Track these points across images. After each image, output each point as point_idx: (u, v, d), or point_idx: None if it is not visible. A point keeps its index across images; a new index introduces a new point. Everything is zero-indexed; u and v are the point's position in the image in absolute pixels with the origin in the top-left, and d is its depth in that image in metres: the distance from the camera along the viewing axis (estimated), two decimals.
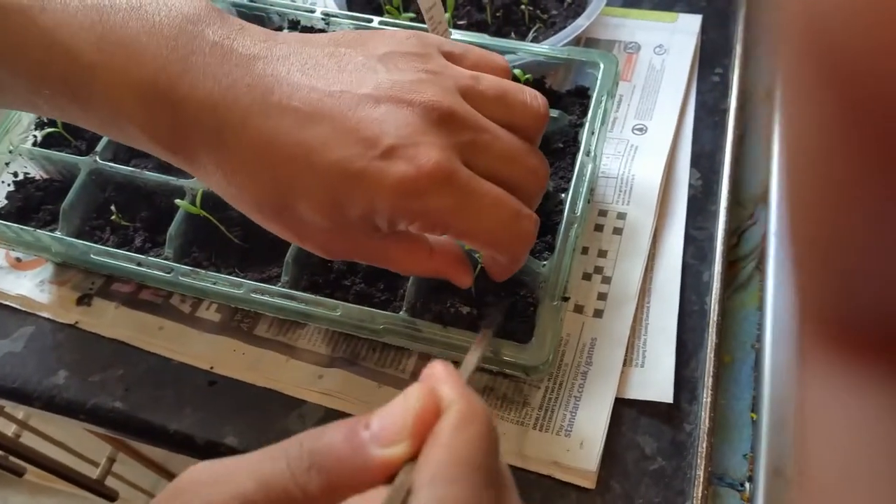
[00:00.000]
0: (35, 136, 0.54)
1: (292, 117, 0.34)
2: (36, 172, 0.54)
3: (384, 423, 0.22)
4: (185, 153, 0.36)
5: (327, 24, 0.55)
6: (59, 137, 0.54)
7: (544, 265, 0.44)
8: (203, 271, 0.45)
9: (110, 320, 0.52)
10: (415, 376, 0.48)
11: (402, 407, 0.23)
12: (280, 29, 0.57)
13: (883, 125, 0.13)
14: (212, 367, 0.50)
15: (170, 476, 0.95)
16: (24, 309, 0.53)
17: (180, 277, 0.45)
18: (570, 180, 0.48)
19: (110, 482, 0.93)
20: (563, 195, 0.47)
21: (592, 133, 0.49)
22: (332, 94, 0.34)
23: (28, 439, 0.87)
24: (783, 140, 0.16)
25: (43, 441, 0.90)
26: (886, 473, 0.17)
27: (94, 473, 0.90)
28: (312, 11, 0.55)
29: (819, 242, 0.16)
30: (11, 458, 0.84)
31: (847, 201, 0.14)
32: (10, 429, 0.86)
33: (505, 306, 0.44)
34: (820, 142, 0.14)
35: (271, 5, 0.56)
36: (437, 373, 0.24)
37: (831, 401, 0.18)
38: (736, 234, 0.56)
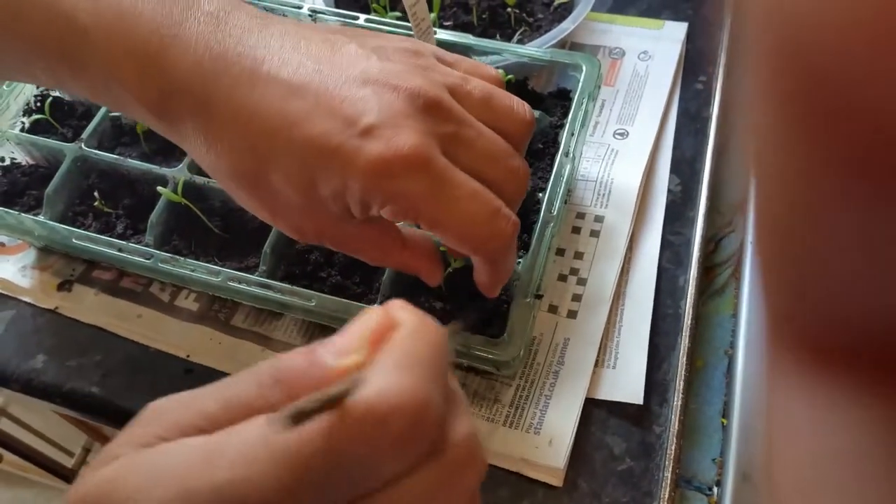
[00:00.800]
0: (23, 122, 0.55)
1: (278, 89, 0.34)
2: (22, 158, 0.55)
3: (342, 338, 0.23)
4: (170, 119, 0.36)
5: (314, 20, 0.56)
6: (45, 124, 0.54)
7: (519, 263, 0.45)
8: (182, 258, 0.46)
9: (90, 306, 0.52)
10: None
11: (359, 324, 0.23)
12: None
13: (849, 136, 0.13)
14: (188, 356, 0.50)
15: None
16: (5, 293, 0.53)
17: (159, 264, 0.45)
18: (548, 180, 0.48)
19: None
20: (540, 195, 0.48)
21: (572, 134, 0.50)
22: (320, 72, 0.35)
23: (6, 426, 0.87)
24: (753, 148, 0.16)
25: (20, 429, 0.90)
26: (851, 482, 0.17)
27: (69, 463, 0.90)
28: (300, 7, 0.56)
29: (787, 252, 0.16)
30: None
31: (815, 212, 0.15)
32: None
33: (481, 309, 0.45)
34: (788, 151, 0.14)
35: (259, 2, 0.56)
36: (395, 302, 0.24)
37: (798, 409, 0.19)
38: (713, 241, 0.57)
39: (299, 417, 0.20)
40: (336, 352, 0.22)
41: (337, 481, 0.21)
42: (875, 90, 0.12)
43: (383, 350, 0.22)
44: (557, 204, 0.47)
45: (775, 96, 0.14)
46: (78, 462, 0.90)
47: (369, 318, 0.23)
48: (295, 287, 0.44)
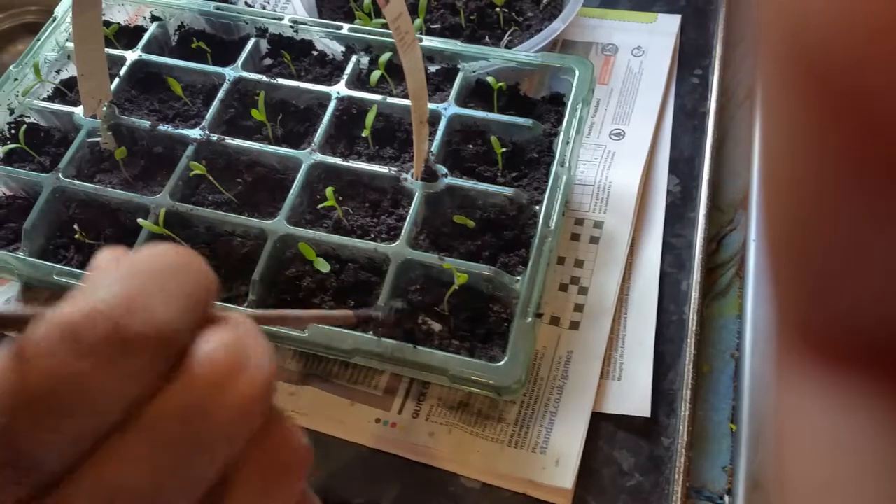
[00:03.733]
0: None
1: None
2: None
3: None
4: None
5: (296, 31, 0.54)
6: (21, 153, 0.52)
7: (518, 280, 0.44)
8: None
9: None
10: (388, 392, 0.48)
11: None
12: (248, 37, 0.55)
13: (862, 130, 0.12)
14: None
15: None
16: None
17: None
18: (544, 192, 0.47)
19: None
20: (536, 207, 0.46)
21: (567, 143, 0.48)
22: None
23: None
24: (761, 144, 0.16)
25: None
26: (864, 485, 0.16)
27: None
28: (280, 19, 0.54)
29: (798, 254, 0.16)
30: None
31: (825, 208, 0.14)
32: None
33: (394, 312, 0.42)
34: (798, 146, 0.14)
35: (238, 13, 0.54)
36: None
37: (809, 412, 0.18)
38: (715, 240, 0.55)
39: None
40: None
41: (55, 414, 0.17)
42: (886, 90, 0.12)
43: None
44: (555, 217, 0.45)
45: (784, 91, 0.14)
46: None
47: (97, 259, 0.20)
48: None
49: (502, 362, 0.41)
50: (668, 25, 0.62)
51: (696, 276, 0.52)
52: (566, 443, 0.45)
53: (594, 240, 0.53)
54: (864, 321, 0.16)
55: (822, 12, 0.12)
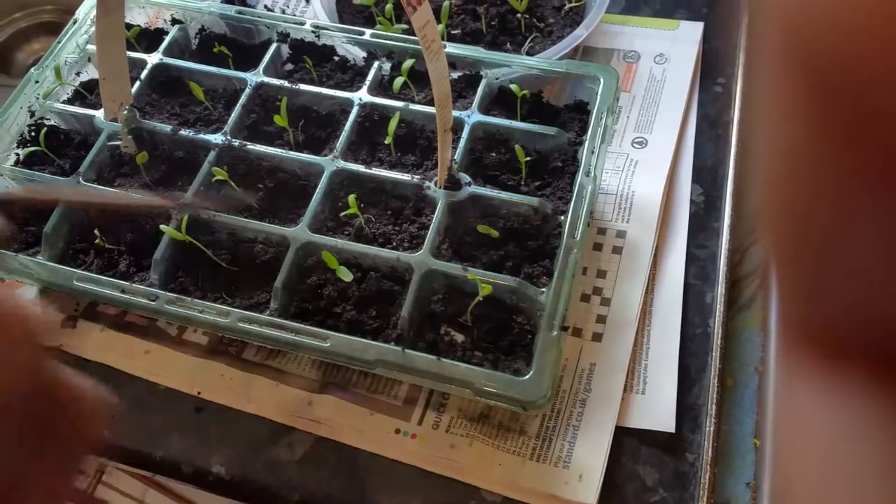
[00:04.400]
0: (17, 155, 0.52)
1: None
2: None
3: None
4: None
5: (317, 36, 0.53)
6: (41, 156, 0.52)
7: (543, 292, 0.43)
8: (189, 299, 0.44)
9: (95, 343, 0.50)
10: (408, 402, 0.47)
11: None
12: (269, 42, 0.55)
13: (857, 125, 0.12)
14: (199, 393, 0.48)
15: None
16: None
17: (165, 305, 0.43)
18: (568, 201, 0.46)
19: None
20: (561, 217, 0.46)
21: (592, 152, 0.47)
22: None
23: None
24: (764, 142, 0.16)
25: None
26: (865, 482, 0.16)
27: None
28: (302, 24, 0.53)
29: (795, 247, 0.16)
30: None
31: (822, 205, 0.14)
32: None
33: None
34: (795, 144, 0.14)
35: (260, 17, 0.54)
36: None
37: (809, 409, 0.18)
38: (739, 251, 0.54)
39: None
40: None
41: None
42: (889, 94, 0.11)
43: None
44: (581, 227, 0.45)
45: (790, 99, 0.14)
46: None
47: None
48: (309, 327, 0.42)
49: (528, 376, 0.40)
50: (690, 33, 0.62)
51: (720, 287, 0.51)
52: (589, 457, 0.44)
53: (617, 250, 0.52)
54: (864, 319, 0.15)
55: (817, 5, 0.12)
